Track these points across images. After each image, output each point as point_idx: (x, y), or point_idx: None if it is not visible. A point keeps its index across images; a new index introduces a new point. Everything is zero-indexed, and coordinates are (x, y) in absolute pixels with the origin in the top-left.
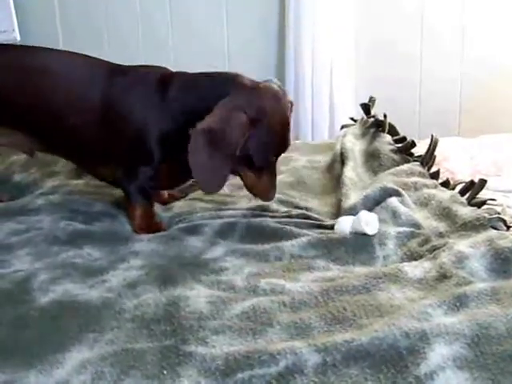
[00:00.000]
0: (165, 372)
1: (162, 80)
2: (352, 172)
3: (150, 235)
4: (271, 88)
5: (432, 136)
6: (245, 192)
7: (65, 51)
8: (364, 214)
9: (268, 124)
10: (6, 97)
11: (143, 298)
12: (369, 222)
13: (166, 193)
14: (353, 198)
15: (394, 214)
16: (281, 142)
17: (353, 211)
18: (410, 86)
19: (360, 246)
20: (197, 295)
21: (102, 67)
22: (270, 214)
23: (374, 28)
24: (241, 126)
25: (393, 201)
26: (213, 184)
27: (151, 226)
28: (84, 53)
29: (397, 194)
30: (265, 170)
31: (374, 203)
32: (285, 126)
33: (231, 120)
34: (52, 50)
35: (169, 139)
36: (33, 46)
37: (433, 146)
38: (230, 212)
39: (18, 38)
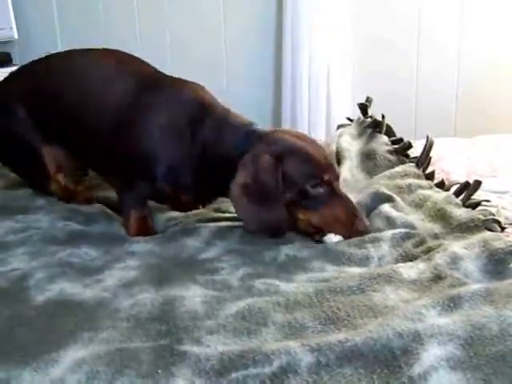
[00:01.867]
0: (159, 371)
1: (194, 113)
2: (347, 172)
3: (147, 236)
4: (294, 131)
5: (427, 137)
6: None
7: (100, 53)
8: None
9: (296, 154)
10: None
11: (138, 297)
12: None
13: None
14: None
15: (388, 220)
16: (321, 166)
17: None
18: (406, 86)
19: (355, 246)
20: (192, 295)
21: (134, 77)
22: None
23: (371, 28)
24: (268, 167)
25: (385, 207)
26: (277, 232)
27: (145, 231)
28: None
29: (389, 199)
30: (328, 203)
31: (366, 210)
32: (317, 150)
33: (258, 166)
34: (86, 52)
35: (177, 169)
36: (67, 52)
37: (428, 147)
38: (227, 215)
39: (16, 36)
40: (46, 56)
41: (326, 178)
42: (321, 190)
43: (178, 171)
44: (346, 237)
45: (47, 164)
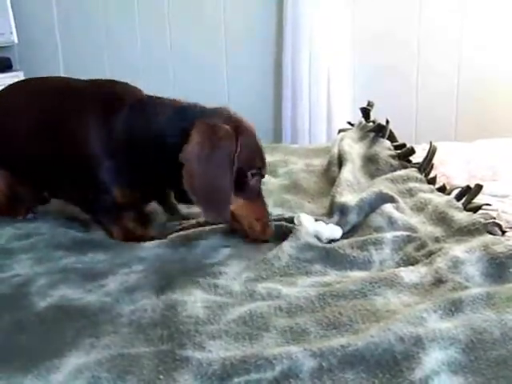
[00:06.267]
0: (161, 377)
1: (112, 104)
2: (349, 174)
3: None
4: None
5: (430, 143)
6: None
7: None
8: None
9: (248, 136)
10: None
11: (140, 302)
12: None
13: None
14: (346, 196)
15: (390, 220)
16: (263, 159)
17: (344, 208)
18: (406, 89)
19: (357, 249)
20: (194, 300)
21: (48, 91)
22: None
23: (372, 29)
24: (228, 136)
25: (388, 207)
26: (218, 210)
27: (135, 238)
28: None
29: (392, 200)
30: (254, 201)
31: (368, 208)
32: (259, 141)
33: (217, 132)
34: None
35: (121, 167)
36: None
37: (431, 153)
38: None
39: (16, 41)
40: None
41: (263, 172)
42: (254, 181)
43: (118, 167)
44: (251, 238)
45: None
